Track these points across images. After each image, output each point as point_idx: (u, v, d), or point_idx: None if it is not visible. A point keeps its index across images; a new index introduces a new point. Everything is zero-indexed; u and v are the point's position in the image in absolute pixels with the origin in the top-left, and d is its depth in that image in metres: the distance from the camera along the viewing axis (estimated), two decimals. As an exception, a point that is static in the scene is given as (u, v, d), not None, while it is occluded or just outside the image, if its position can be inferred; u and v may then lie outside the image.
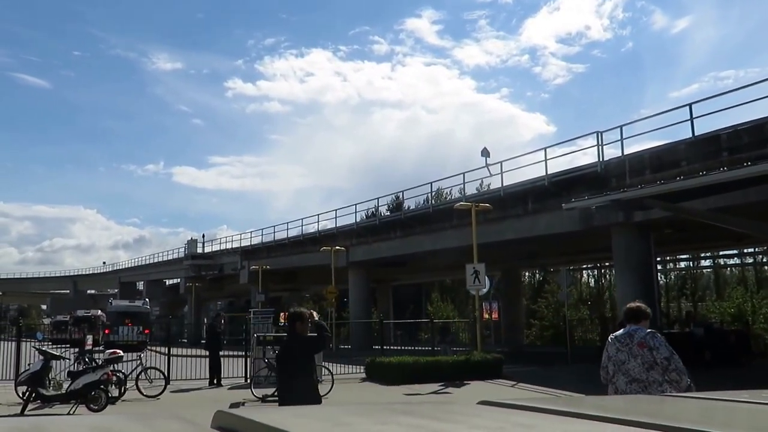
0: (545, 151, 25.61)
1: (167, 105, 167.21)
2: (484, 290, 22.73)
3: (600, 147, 23.14)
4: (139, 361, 16.30)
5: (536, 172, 26.31)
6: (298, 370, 6.81)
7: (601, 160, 23.06)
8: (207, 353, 19.48)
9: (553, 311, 42.62)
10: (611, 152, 23.67)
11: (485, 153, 27.39)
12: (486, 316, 28.85)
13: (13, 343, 19.11)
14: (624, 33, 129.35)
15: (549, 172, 25.14)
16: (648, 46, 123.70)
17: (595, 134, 23.45)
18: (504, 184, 27.56)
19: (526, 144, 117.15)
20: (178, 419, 1.55)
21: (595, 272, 49.35)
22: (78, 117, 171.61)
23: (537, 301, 47.24)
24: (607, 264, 42.36)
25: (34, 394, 12.97)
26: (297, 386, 6.59)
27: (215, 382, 18.57)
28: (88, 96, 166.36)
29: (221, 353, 19.33)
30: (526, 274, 52.39)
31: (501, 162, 27.93)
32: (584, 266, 47.36)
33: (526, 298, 48.56)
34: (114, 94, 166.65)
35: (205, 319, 59.32)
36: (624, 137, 22.48)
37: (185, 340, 41.50)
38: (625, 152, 22.48)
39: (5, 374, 17.94)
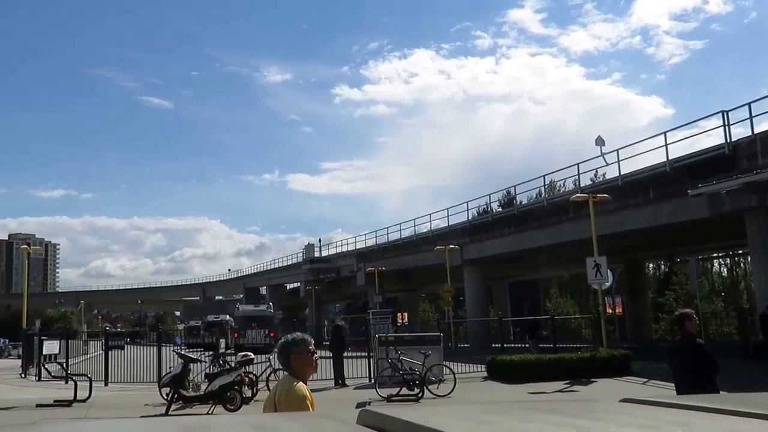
0: (665, 135, 24.39)
1: (278, 115, 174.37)
2: (607, 284, 21.95)
3: (726, 127, 21.71)
4: (268, 363, 17.04)
5: (656, 158, 25.10)
6: (708, 369, 7.07)
7: (728, 141, 21.62)
8: (331, 354, 20.01)
9: (683, 304, 40.44)
10: (739, 132, 22.18)
11: (600, 141, 26.45)
12: (609, 310, 27.85)
13: (154, 347, 20.58)
14: (746, 3, 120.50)
15: (670, 157, 23.89)
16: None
17: (720, 114, 22.04)
18: (621, 173, 26.48)
19: (642, 129, 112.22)
20: (328, 417, 1.65)
21: (728, 261, 46.31)
22: (198, 133, 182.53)
23: (664, 294, 45.00)
24: (740, 252, 39.65)
25: (176, 395, 13.90)
26: (705, 385, 6.84)
27: (339, 382, 19.06)
28: (206, 112, 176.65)
29: (345, 354, 19.75)
30: (650, 265, 49.99)
31: (617, 150, 26.88)
32: (715, 255, 44.54)
33: (651, 290, 46.37)
34: (230, 108, 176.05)
35: (326, 321, 61.03)
36: (753, 115, 21.00)
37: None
38: (756, 131, 20.98)
39: (148, 376, 19.34)
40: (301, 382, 3.89)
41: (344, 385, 18.81)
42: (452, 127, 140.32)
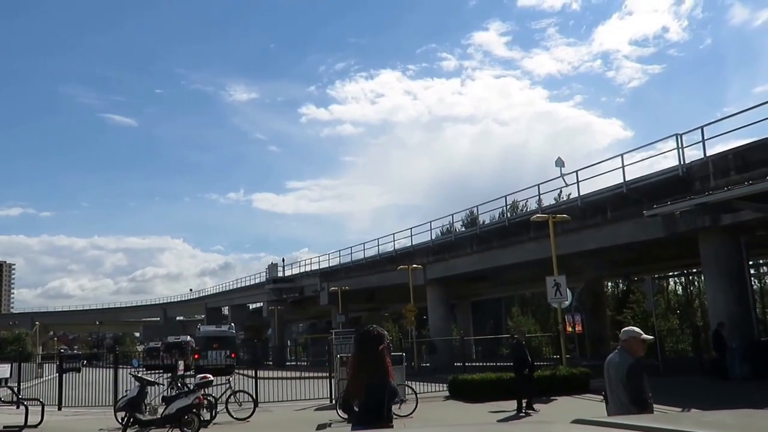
0: (622, 157, 24.88)
1: (245, 134, 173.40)
2: (566, 303, 22.20)
3: (680, 149, 22.29)
4: (228, 385, 16.74)
5: (615, 179, 25.61)
6: None
7: (682, 163, 22.19)
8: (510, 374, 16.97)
9: (640, 322, 41.08)
10: (693, 154, 22.78)
11: (559, 163, 26.92)
12: (569, 329, 28.15)
13: (111, 370, 20.05)
14: (703, 31, 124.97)
15: (627, 179, 24.41)
16: (728, 41, 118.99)
17: (674, 137, 22.64)
18: (581, 194, 26.93)
19: (603, 150, 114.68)
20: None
21: (683, 279, 47.29)
22: (163, 151, 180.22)
23: (622, 312, 45.67)
24: (695, 270, 40.52)
25: (131, 419, 13.52)
26: None
27: (524, 406, 15.62)
28: (172, 131, 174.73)
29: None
30: (609, 284, 50.76)
31: (576, 171, 27.37)
32: (671, 274, 45.45)
33: (610, 309, 47.02)
34: (195, 127, 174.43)
35: (288, 342, 60.26)
36: (706, 138, 21.57)
37: (270, 363, 42.29)
38: (708, 153, 21.58)
39: (104, 400, 18.80)
40: None
41: (531, 408, 15.71)
42: (420, 147, 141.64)
